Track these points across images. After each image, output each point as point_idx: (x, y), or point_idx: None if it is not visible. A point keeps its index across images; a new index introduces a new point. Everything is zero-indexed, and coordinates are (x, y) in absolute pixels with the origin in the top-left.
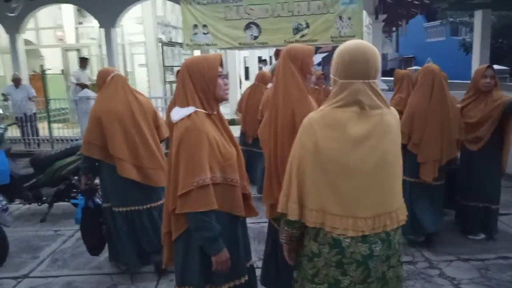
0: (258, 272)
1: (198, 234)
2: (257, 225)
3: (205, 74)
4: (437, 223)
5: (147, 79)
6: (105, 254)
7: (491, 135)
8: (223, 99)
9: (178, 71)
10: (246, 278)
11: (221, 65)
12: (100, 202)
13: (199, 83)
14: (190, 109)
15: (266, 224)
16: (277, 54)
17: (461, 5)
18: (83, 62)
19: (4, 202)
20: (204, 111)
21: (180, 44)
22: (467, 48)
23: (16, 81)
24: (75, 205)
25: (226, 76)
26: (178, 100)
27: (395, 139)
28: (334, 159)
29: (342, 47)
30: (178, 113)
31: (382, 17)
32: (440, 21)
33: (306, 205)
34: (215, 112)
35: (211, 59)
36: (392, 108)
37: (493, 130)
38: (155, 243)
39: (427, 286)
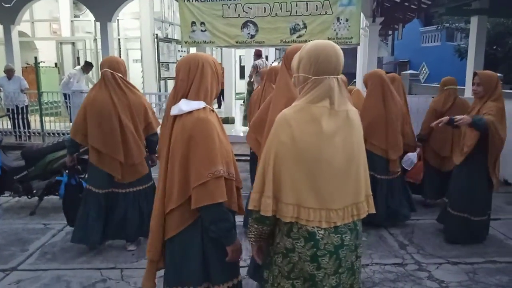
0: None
1: (215, 226)
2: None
3: (219, 73)
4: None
5: (141, 74)
6: (94, 249)
7: (473, 149)
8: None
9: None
10: (239, 278)
11: None
12: (81, 181)
13: (216, 81)
14: (201, 103)
15: None
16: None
17: (458, 11)
18: (87, 67)
19: None
20: (210, 107)
21: (176, 41)
22: (462, 53)
23: (9, 72)
24: (60, 181)
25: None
26: (190, 93)
27: (358, 135)
28: (310, 154)
29: (312, 46)
30: (187, 105)
31: (379, 20)
32: (436, 26)
33: (281, 199)
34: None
35: (214, 59)
36: (353, 107)
37: (476, 144)
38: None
39: None
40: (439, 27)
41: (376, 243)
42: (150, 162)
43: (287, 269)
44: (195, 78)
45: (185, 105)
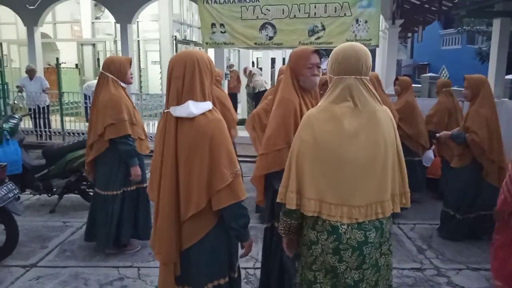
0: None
1: (236, 224)
2: None
3: (213, 71)
4: None
5: (160, 76)
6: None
7: (463, 152)
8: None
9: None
10: (236, 275)
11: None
12: None
13: (211, 79)
14: (209, 104)
15: None
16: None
17: (480, 13)
18: None
19: (16, 191)
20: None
21: (195, 42)
22: (483, 56)
23: (30, 73)
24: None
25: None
26: (194, 94)
27: (387, 134)
28: (331, 152)
29: (337, 48)
30: (196, 107)
31: (399, 22)
32: (456, 29)
33: (304, 195)
34: None
35: (209, 57)
36: (384, 106)
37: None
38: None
39: None
40: (460, 30)
41: (394, 248)
42: None
43: (310, 261)
44: (194, 77)
45: (194, 108)
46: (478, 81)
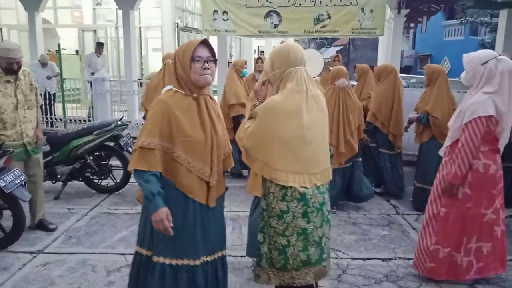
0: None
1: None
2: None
3: (183, 58)
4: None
5: (161, 63)
6: (118, 234)
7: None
8: (200, 83)
9: None
10: (199, 262)
11: (211, 50)
12: None
13: (179, 67)
14: (168, 87)
15: None
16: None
17: (486, 3)
18: (99, 48)
19: (23, 177)
20: (181, 91)
21: (196, 30)
22: (486, 48)
23: (43, 61)
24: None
25: (208, 61)
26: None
27: (326, 114)
28: (294, 134)
29: (280, 47)
30: (163, 90)
31: (404, 12)
32: (459, 20)
33: (275, 167)
34: (194, 94)
35: (190, 43)
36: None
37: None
38: None
39: (441, 284)
40: (463, 21)
41: (399, 238)
42: None
43: (282, 228)
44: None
45: (163, 91)
46: (432, 70)
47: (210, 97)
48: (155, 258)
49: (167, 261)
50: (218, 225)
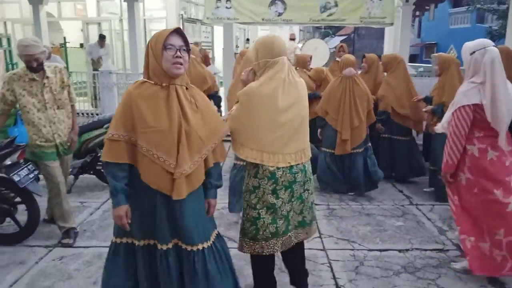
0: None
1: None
2: None
3: (155, 45)
4: None
5: None
6: None
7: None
8: (170, 72)
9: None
10: (168, 246)
11: (184, 39)
12: None
13: (151, 54)
14: (139, 79)
15: None
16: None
17: None
18: (102, 40)
19: (36, 172)
20: (150, 81)
21: (201, 21)
22: (494, 36)
23: (47, 54)
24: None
25: (180, 49)
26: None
27: (305, 99)
28: (269, 117)
29: (264, 38)
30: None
31: (413, 0)
32: (466, 7)
33: (250, 147)
34: (164, 84)
35: (163, 31)
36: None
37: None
38: None
39: (460, 274)
40: (470, 8)
41: (415, 229)
42: None
43: (254, 202)
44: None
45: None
46: (447, 59)
47: (187, 88)
48: (122, 240)
49: (136, 242)
50: (194, 218)
